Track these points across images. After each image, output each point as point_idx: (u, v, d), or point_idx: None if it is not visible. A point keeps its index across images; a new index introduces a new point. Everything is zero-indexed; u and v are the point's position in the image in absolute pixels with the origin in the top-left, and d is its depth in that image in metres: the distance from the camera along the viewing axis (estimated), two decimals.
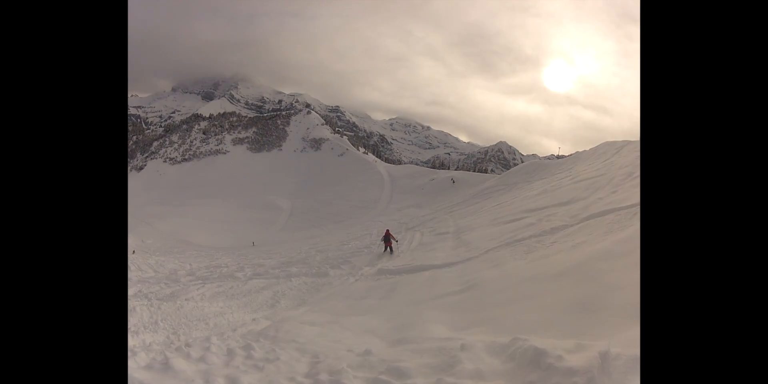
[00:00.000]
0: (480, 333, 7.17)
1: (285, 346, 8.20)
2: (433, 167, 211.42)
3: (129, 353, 8.24)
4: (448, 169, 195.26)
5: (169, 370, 6.87)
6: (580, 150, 71.91)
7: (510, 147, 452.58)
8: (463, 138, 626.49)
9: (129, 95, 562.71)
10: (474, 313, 9.25)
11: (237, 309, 16.68)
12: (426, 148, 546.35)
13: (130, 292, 22.81)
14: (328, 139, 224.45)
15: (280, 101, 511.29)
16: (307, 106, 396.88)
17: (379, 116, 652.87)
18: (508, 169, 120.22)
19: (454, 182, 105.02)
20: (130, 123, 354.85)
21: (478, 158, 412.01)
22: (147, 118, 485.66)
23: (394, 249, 27.85)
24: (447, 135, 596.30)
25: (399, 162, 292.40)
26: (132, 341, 11.58)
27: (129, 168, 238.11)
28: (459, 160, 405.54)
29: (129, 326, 13.36)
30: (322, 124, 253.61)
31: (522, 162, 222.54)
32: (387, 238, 28.58)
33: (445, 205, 67.15)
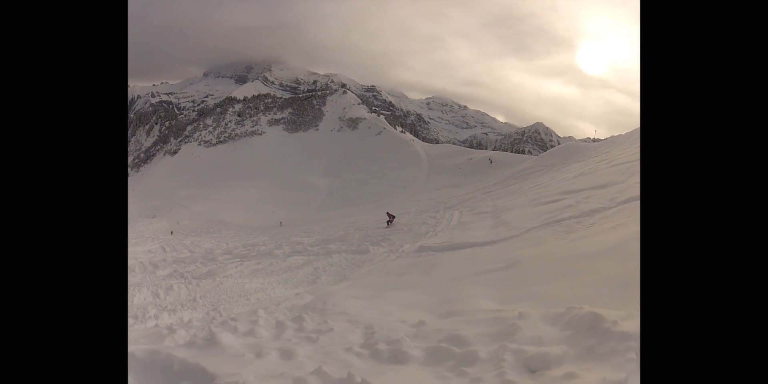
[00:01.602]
0: (527, 307, 7.07)
1: (336, 318, 8.04)
2: (471, 147, 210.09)
3: (166, 331, 8.37)
4: (486, 149, 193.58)
5: (214, 345, 6.74)
6: (615, 134, 70.90)
7: (547, 128, 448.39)
8: (500, 118, 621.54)
9: (159, 82, 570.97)
10: (517, 289, 9.16)
11: (277, 285, 16.80)
12: (463, 128, 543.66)
13: (165, 272, 23.67)
14: (364, 119, 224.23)
15: (314, 82, 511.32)
16: (343, 86, 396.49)
17: (415, 96, 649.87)
18: (544, 151, 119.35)
19: (491, 162, 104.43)
20: (161, 109, 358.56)
21: (515, 139, 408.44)
22: (179, 103, 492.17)
23: (392, 223, 35.73)
24: (484, 115, 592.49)
25: (436, 141, 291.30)
26: (169, 319, 11.75)
27: (163, 153, 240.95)
28: (496, 140, 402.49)
29: (165, 304, 13.75)
30: (359, 104, 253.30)
31: (558, 144, 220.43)
32: (390, 218, 37.00)
33: (483, 185, 67.01)
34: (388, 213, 39.02)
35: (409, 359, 5.49)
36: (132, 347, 6.52)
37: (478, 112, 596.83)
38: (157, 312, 12.54)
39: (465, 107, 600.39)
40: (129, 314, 11.85)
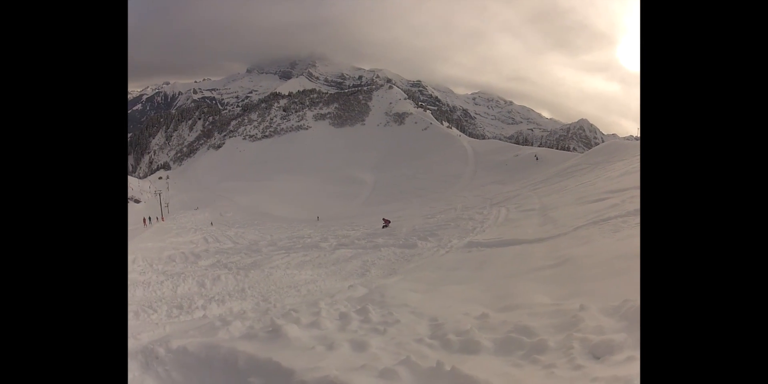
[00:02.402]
0: (583, 302, 7.11)
1: (399, 310, 7.90)
2: (517, 143, 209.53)
3: (219, 322, 7.99)
4: (532, 145, 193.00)
5: (279, 337, 6.41)
6: None
7: (591, 125, 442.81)
8: (545, 114, 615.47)
9: (201, 79, 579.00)
10: (571, 286, 9.10)
11: (326, 277, 16.83)
12: (509, 124, 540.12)
13: (207, 262, 23.81)
14: (411, 114, 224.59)
15: (360, 77, 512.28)
16: (388, 81, 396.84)
17: (461, 91, 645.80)
18: (589, 148, 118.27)
19: (537, 159, 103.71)
20: (204, 104, 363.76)
21: (560, 135, 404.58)
22: (222, 99, 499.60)
23: (388, 227, 36.14)
24: (530, 110, 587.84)
25: (482, 137, 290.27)
26: (218, 310, 11.63)
27: (207, 147, 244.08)
28: (542, 136, 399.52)
29: (212, 295, 13.64)
30: (405, 99, 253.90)
31: (603, 141, 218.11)
32: (386, 222, 38.07)
33: (529, 182, 66.64)
34: (384, 219, 39.88)
35: (481, 349, 5.44)
36: (183, 341, 6.54)
37: (524, 107, 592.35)
38: (205, 302, 12.43)
39: (511, 103, 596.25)
40: (174, 304, 11.93)
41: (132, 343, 6.96)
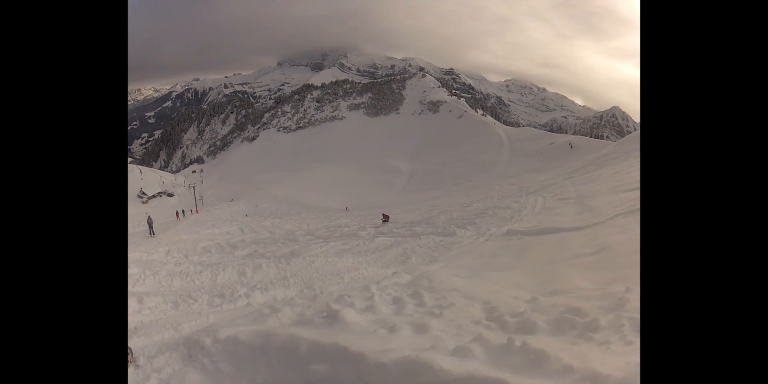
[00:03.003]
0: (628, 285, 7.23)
1: (450, 294, 7.87)
2: (551, 131, 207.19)
3: (267, 310, 7.86)
4: (566, 133, 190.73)
5: (337, 322, 6.33)
6: None
7: (623, 113, 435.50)
8: (578, 101, 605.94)
9: (231, 74, 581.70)
10: (611, 272, 9.20)
11: (368, 264, 16.73)
12: (543, 111, 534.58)
13: (244, 252, 23.65)
14: (445, 102, 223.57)
15: (392, 66, 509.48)
16: (421, 69, 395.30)
17: (494, 78, 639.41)
18: (622, 136, 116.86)
19: (572, 147, 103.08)
20: (236, 98, 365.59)
21: (593, 123, 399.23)
22: (254, 92, 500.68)
23: (388, 222, 35.07)
24: (563, 98, 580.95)
25: (517, 124, 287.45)
26: (262, 297, 11.41)
27: (240, 140, 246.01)
28: (575, 124, 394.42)
29: (254, 283, 13.41)
30: (439, 87, 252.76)
31: (635, 129, 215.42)
32: (385, 218, 36.86)
33: (564, 170, 66.32)
34: (383, 214, 39.26)
35: (537, 329, 5.59)
36: (232, 330, 6.37)
37: (557, 94, 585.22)
38: (248, 291, 12.17)
39: (544, 90, 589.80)
40: (215, 293, 11.79)
41: (172, 335, 7.10)
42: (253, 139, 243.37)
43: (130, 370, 5.81)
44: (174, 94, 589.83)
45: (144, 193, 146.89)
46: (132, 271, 14.59)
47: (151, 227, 39.32)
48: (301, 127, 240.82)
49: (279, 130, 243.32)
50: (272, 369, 5.48)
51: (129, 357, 6.14)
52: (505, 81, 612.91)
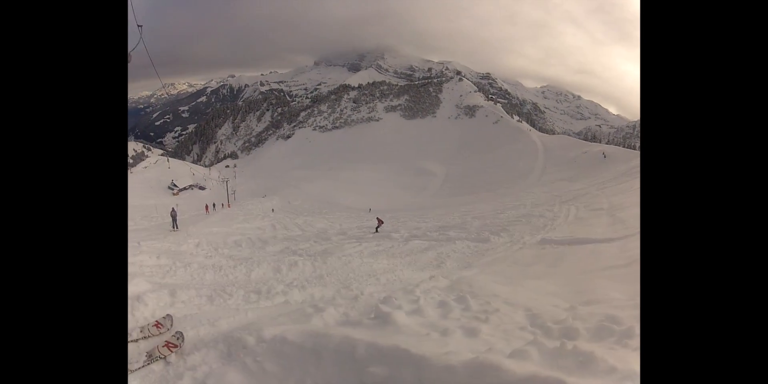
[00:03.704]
0: None
1: (493, 300, 8.00)
2: (585, 139, 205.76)
3: (311, 309, 7.55)
4: (600, 142, 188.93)
5: (388, 324, 6.16)
6: None
7: None
8: (612, 110, 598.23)
9: (267, 72, 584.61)
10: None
11: (403, 267, 16.60)
12: (577, 119, 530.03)
13: (276, 248, 23.53)
14: (482, 106, 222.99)
15: (429, 69, 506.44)
16: (458, 73, 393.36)
17: (529, 84, 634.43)
18: None
19: (605, 157, 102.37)
20: (272, 96, 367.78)
21: (626, 133, 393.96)
22: (291, 91, 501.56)
23: (379, 229, 33.38)
24: (597, 106, 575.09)
25: (552, 132, 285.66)
26: (300, 295, 11.12)
27: (276, 137, 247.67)
28: (609, 133, 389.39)
29: (290, 281, 13.06)
30: (475, 91, 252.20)
31: None
32: (379, 223, 35.13)
33: (597, 180, 66.05)
34: (377, 218, 38.08)
35: (579, 336, 5.77)
36: (278, 328, 6.04)
37: (592, 102, 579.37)
38: (285, 288, 11.61)
39: (579, 97, 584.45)
40: (250, 289, 11.31)
41: (208, 331, 6.77)
42: (289, 137, 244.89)
43: (160, 367, 5.50)
44: (209, 89, 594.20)
45: (175, 185, 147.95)
46: (162, 261, 14.57)
47: (174, 220, 38.49)
48: (337, 127, 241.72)
49: (315, 129, 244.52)
50: (324, 370, 5.20)
51: (180, 343, 5.98)
52: (541, 87, 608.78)
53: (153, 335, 6.36)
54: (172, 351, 5.79)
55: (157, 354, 5.66)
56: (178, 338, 6.04)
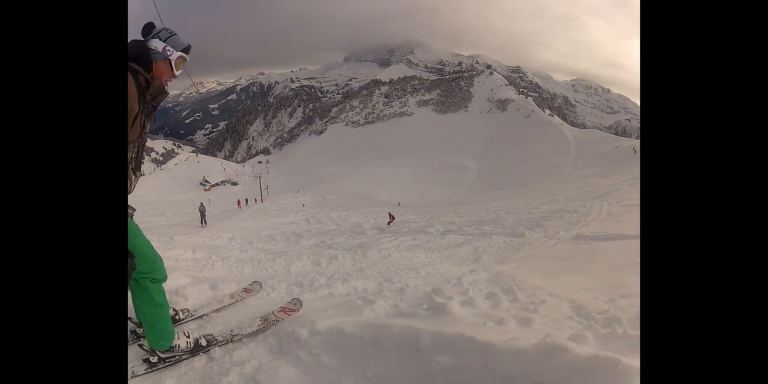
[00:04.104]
0: None
1: (539, 292, 8.08)
2: (616, 134, 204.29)
3: (360, 301, 7.20)
4: (630, 136, 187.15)
5: (444, 315, 6.06)
6: None
7: None
8: None
9: (297, 69, 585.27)
10: None
11: (441, 261, 16.67)
12: (607, 113, 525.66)
13: (310, 242, 23.62)
14: (513, 100, 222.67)
15: (459, 63, 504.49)
16: (488, 67, 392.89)
17: (559, 77, 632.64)
18: None
19: (635, 152, 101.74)
20: (303, 92, 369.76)
21: None
22: (321, 87, 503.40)
23: (391, 223, 35.48)
24: (627, 99, 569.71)
25: (583, 126, 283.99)
26: (343, 288, 10.89)
27: (308, 133, 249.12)
28: (639, 128, 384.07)
29: (331, 274, 12.76)
30: (506, 85, 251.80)
31: None
32: (391, 218, 37.81)
33: (628, 176, 65.95)
34: (389, 214, 40.31)
35: (622, 325, 5.62)
36: (332, 321, 5.72)
37: (621, 96, 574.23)
38: (327, 281, 11.31)
39: (608, 90, 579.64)
40: (292, 282, 10.93)
41: (257, 324, 6.42)
42: (321, 132, 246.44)
43: (202, 363, 5.05)
44: (238, 87, 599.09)
45: (207, 181, 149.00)
46: (197, 255, 14.54)
47: (203, 216, 39.06)
48: (369, 122, 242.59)
49: (347, 125, 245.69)
50: (386, 362, 4.92)
51: (297, 308, 6.02)
52: (570, 80, 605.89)
53: (242, 299, 6.72)
54: (289, 315, 5.89)
55: (273, 318, 5.77)
56: (295, 304, 6.17)
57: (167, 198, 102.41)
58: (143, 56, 4.05)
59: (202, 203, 44.50)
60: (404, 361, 4.85)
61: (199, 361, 4.99)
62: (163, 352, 4.69)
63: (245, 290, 7.01)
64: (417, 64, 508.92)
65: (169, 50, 4.17)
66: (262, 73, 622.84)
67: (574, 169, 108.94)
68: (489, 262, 16.63)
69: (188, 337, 4.87)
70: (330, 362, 5.00)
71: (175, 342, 4.73)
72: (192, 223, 37.95)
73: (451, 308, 6.22)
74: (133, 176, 4.28)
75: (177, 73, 4.29)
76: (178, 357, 4.82)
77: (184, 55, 4.27)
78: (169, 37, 4.20)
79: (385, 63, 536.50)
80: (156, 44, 4.12)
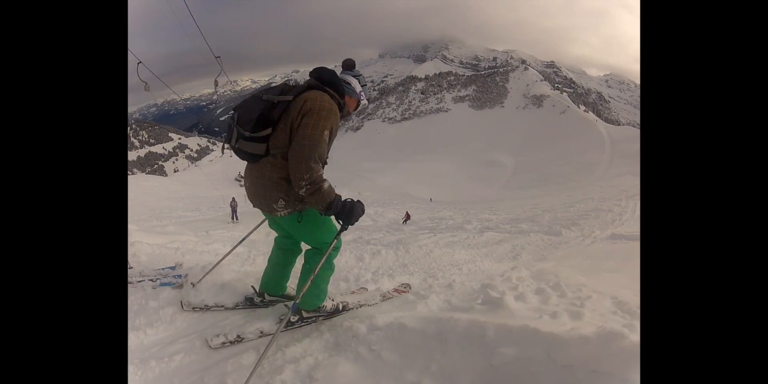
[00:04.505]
0: None
1: (583, 289, 7.91)
2: None
3: (413, 296, 6.86)
4: None
5: (501, 309, 5.94)
6: None
7: None
8: None
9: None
10: None
11: (481, 258, 16.34)
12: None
13: (349, 237, 23.25)
14: (548, 96, 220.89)
15: (494, 58, 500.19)
16: (523, 62, 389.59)
17: (593, 72, 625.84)
18: None
19: None
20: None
21: None
22: None
23: (409, 222, 36.24)
24: None
25: (617, 122, 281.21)
26: (389, 284, 9.02)
27: (345, 129, 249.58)
28: None
29: (374, 269, 11.88)
30: (541, 80, 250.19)
31: None
32: (407, 216, 38.34)
33: None
34: (407, 212, 40.84)
35: None
36: (391, 316, 5.61)
37: None
38: (373, 276, 10.43)
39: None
40: (337, 277, 8.96)
41: (378, 299, 6.55)
42: (358, 128, 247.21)
43: (250, 360, 4.84)
44: (273, 84, 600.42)
45: (242, 177, 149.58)
46: (238, 250, 13.54)
47: (234, 212, 39.38)
48: (406, 119, 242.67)
49: (384, 121, 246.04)
50: (450, 356, 4.80)
51: (407, 290, 6.53)
52: (604, 75, 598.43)
53: (392, 297, 6.81)
54: (401, 293, 6.42)
55: (389, 295, 6.32)
56: (405, 287, 6.77)
57: (202, 194, 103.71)
58: (338, 87, 4.52)
59: (234, 198, 44.06)
60: (469, 355, 4.76)
61: (248, 358, 4.83)
62: (308, 312, 5.20)
63: (396, 290, 7.13)
64: (452, 60, 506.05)
65: (362, 95, 4.76)
66: (297, 71, 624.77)
67: (608, 167, 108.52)
68: (528, 260, 16.84)
69: (333, 301, 5.43)
70: (392, 357, 4.83)
71: (324, 303, 5.23)
72: (226, 218, 38.69)
73: (507, 303, 6.18)
74: None
75: (352, 113, 4.89)
76: (315, 318, 5.34)
77: (366, 103, 4.89)
78: (365, 84, 4.78)
79: (420, 59, 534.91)
80: (354, 84, 4.71)
